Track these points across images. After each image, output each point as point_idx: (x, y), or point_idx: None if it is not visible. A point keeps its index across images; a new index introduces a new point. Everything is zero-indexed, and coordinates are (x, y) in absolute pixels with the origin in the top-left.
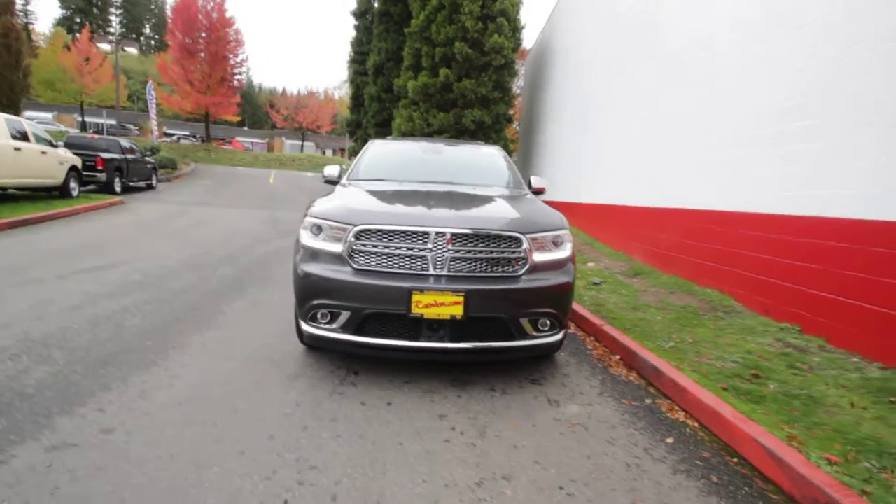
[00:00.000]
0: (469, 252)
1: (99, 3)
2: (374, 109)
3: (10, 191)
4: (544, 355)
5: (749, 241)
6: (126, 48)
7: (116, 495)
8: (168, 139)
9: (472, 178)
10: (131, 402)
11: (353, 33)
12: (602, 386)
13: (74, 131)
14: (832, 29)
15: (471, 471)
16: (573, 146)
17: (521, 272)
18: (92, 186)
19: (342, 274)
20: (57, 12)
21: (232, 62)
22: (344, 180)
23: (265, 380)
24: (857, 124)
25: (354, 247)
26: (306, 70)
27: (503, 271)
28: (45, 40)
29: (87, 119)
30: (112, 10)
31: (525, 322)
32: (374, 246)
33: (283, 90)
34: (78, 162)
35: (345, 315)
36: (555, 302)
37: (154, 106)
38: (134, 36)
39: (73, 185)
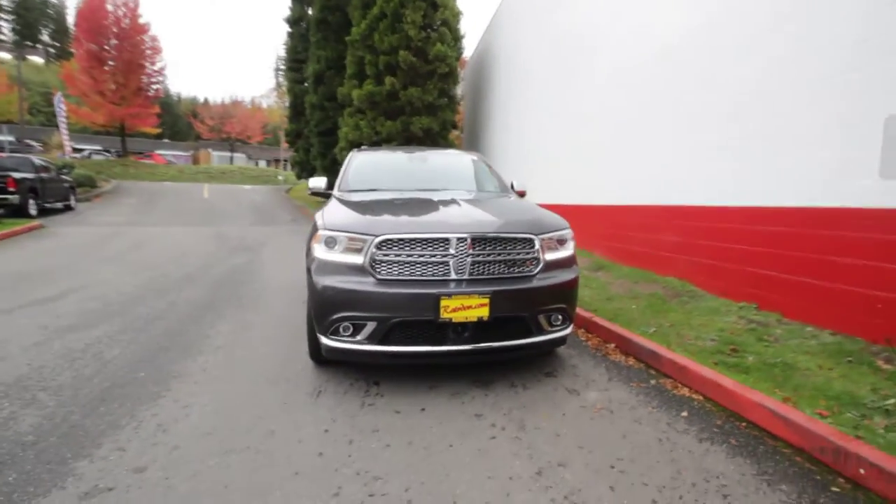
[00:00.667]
0: (489, 255)
1: None
2: (316, 118)
3: None
4: (555, 348)
5: (702, 231)
6: (29, 56)
7: None
8: (78, 155)
9: (462, 185)
10: (152, 436)
11: (282, 40)
12: (608, 372)
13: None
14: (764, 43)
15: (527, 462)
16: (523, 150)
17: (536, 271)
18: (1, 211)
19: (365, 285)
20: None
21: (149, 70)
22: (336, 192)
23: (289, 400)
24: (783, 128)
25: (376, 257)
26: (229, 78)
27: (519, 272)
28: None
29: None
30: (2, 14)
31: (542, 318)
32: (397, 255)
33: (206, 99)
34: None
35: (370, 326)
36: (565, 297)
37: (63, 119)
38: (30, 44)
39: None
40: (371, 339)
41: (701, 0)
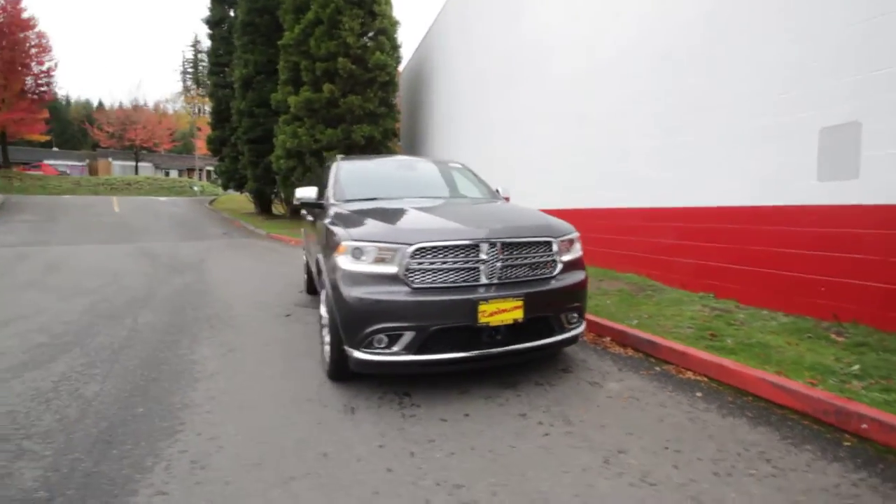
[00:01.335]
0: (517, 259)
1: None
2: (246, 125)
3: None
4: (570, 345)
5: (658, 230)
6: None
7: None
8: None
9: (456, 192)
10: (192, 474)
11: (189, 41)
12: (616, 364)
13: None
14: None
15: (589, 453)
16: (474, 158)
17: (556, 272)
18: None
19: (400, 294)
20: None
21: (36, 71)
22: (332, 202)
23: (323, 420)
24: (731, 137)
25: (411, 266)
26: (128, 81)
27: (541, 273)
28: None
29: None
30: None
31: (563, 317)
32: (431, 263)
33: (101, 103)
34: None
35: (408, 336)
36: (580, 297)
37: None
38: None
39: None
40: (408, 349)
41: (642, 19)
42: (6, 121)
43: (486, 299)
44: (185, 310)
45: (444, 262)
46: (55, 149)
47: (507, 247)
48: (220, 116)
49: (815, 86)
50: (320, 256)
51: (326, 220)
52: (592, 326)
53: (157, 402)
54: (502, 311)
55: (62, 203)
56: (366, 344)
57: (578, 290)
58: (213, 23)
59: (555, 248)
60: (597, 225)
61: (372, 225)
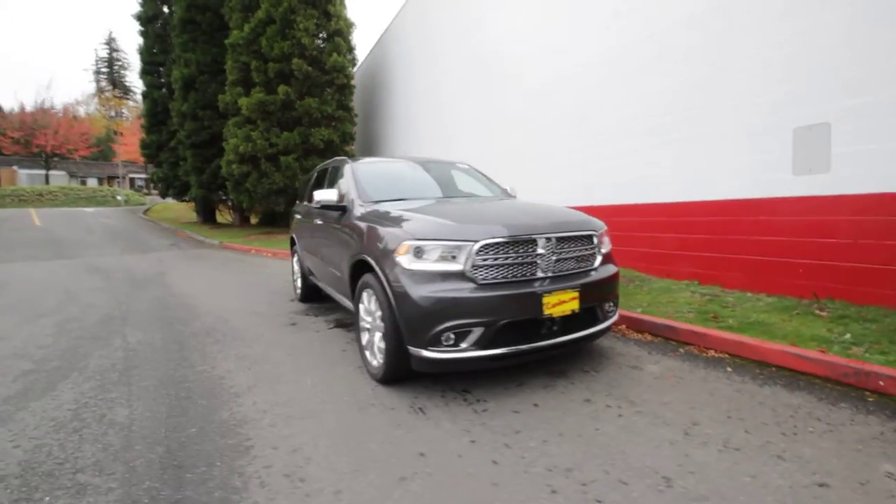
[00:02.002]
0: (569, 252)
1: None
2: (189, 128)
3: None
4: (607, 332)
5: (637, 225)
6: None
7: None
8: None
9: (477, 191)
10: (295, 488)
11: (103, 38)
12: (642, 348)
13: None
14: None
15: (668, 428)
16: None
17: (597, 265)
18: None
19: (468, 291)
20: None
21: None
22: (361, 203)
23: (400, 422)
24: (717, 136)
25: (476, 262)
26: (34, 81)
27: (586, 266)
28: None
29: None
30: None
31: (605, 306)
32: (495, 259)
33: None
34: None
35: (476, 332)
36: (616, 286)
37: None
38: None
39: None
40: (476, 344)
41: (623, 28)
42: None
43: (549, 291)
44: (173, 325)
45: (507, 258)
46: None
47: (561, 241)
48: (156, 119)
49: (790, 90)
50: (346, 260)
51: (363, 222)
52: None
53: (205, 421)
54: (562, 303)
55: None
56: (434, 343)
57: (615, 281)
58: (145, 19)
59: (595, 241)
60: None
61: (429, 223)
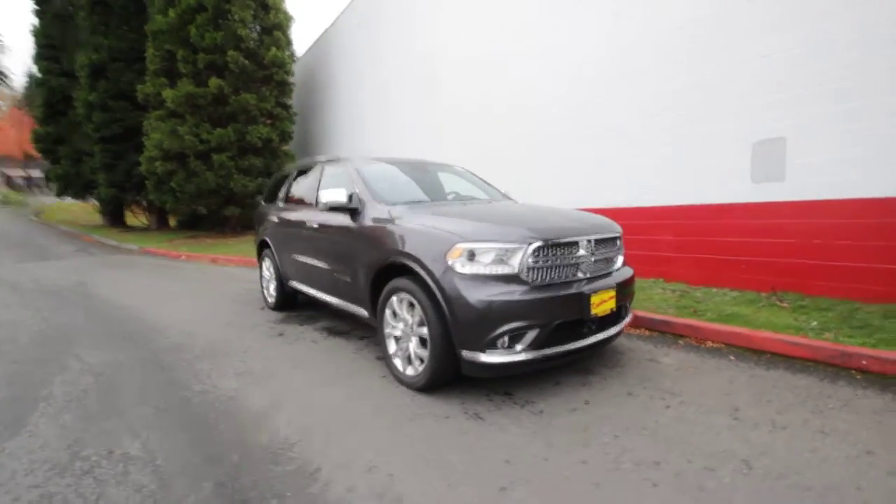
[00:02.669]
0: (602, 254)
1: None
2: (98, 120)
3: None
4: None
5: None
6: None
7: None
8: None
9: (481, 193)
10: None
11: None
12: (646, 342)
13: None
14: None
15: (713, 415)
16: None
17: (619, 266)
18: None
19: (524, 293)
20: None
21: None
22: (377, 205)
23: (464, 429)
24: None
25: (530, 264)
26: None
27: (612, 267)
28: None
29: None
30: None
31: (627, 305)
32: (546, 260)
33: None
34: None
35: (531, 333)
36: (634, 285)
37: None
38: None
39: None
40: (531, 346)
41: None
42: None
43: (594, 291)
44: (133, 342)
45: (556, 260)
46: None
47: (598, 243)
48: (54, 110)
49: (748, 108)
50: (363, 264)
51: (389, 224)
52: None
53: (243, 446)
54: (604, 302)
55: None
56: (491, 346)
57: (634, 280)
58: None
59: (619, 243)
60: None
61: (479, 226)
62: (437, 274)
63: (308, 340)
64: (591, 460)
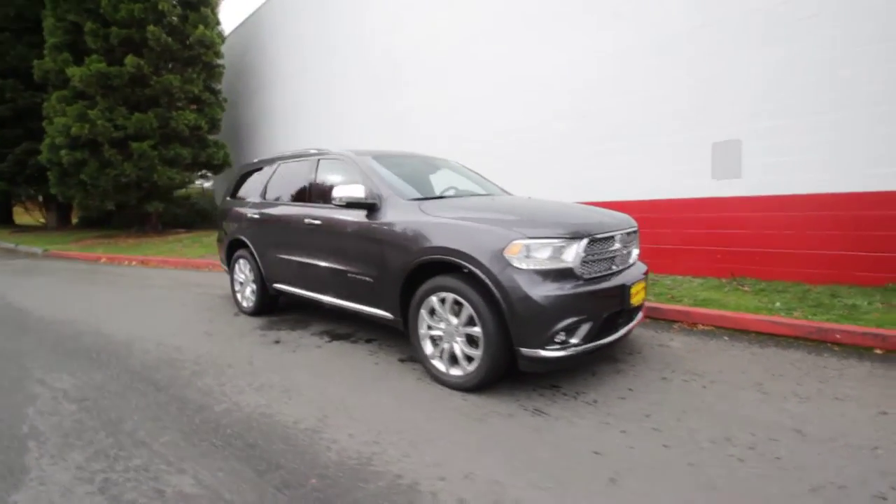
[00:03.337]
0: (629, 247)
1: None
2: None
3: None
4: None
5: None
6: None
7: None
8: None
9: (483, 188)
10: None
11: None
12: (646, 328)
13: None
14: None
15: (744, 391)
16: None
17: (636, 259)
18: None
19: (580, 287)
20: None
21: None
22: (398, 200)
23: (536, 426)
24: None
25: (583, 258)
26: None
27: (632, 261)
28: None
29: None
30: None
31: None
32: (593, 254)
33: None
34: None
35: (585, 326)
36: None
37: None
38: None
39: None
40: (585, 339)
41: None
42: None
43: (632, 283)
44: (100, 360)
45: (600, 254)
46: None
47: (627, 236)
48: None
49: (710, 114)
50: (388, 263)
51: (425, 219)
52: None
53: (314, 468)
54: (638, 293)
55: None
56: (550, 342)
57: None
58: None
59: (637, 236)
60: None
61: (534, 221)
62: (496, 271)
63: (311, 346)
64: (671, 444)
